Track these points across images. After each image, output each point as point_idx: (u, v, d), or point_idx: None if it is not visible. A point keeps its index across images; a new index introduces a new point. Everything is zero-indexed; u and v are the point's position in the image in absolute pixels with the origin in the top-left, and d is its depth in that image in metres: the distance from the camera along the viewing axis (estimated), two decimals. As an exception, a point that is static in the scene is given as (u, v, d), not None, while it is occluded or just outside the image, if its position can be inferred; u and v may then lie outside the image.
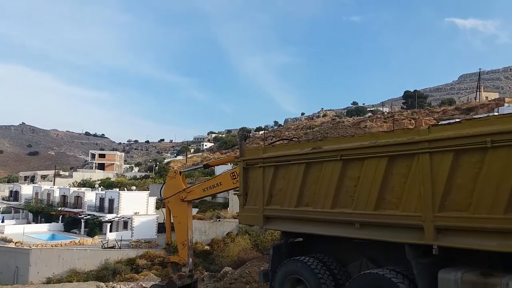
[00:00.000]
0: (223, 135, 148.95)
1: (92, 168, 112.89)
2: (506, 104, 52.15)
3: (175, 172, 12.59)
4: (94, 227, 51.01)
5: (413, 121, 62.62)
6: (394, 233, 6.27)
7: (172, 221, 12.41)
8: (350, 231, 6.93)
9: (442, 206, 5.65)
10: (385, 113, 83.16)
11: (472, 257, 5.69)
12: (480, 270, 5.46)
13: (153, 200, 55.44)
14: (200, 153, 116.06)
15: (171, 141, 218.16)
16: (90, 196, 57.65)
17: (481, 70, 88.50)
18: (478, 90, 78.20)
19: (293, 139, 14.77)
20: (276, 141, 13.16)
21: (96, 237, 47.59)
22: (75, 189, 67.08)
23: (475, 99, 74.71)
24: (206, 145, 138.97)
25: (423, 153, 5.86)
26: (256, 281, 11.44)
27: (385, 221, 6.35)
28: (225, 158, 20.90)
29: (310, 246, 8.54)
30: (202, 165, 13.97)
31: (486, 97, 76.83)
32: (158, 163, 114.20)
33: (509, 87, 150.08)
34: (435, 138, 5.77)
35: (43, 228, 53.94)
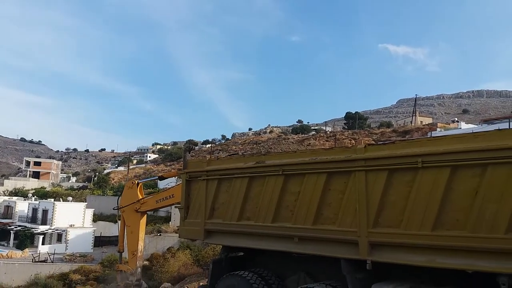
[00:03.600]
0: (169, 147, 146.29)
1: (26, 176, 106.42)
2: (438, 129, 55.50)
3: (132, 182, 12.99)
4: (25, 239, 47.98)
5: (353, 141, 64.92)
6: (330, 248, 6.43)
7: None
8: (289, 246, 7.02)
9: (376, 222, 5.90)
10: (328, 132, 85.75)
11: (405, 272, 5.95)
12: (410, 284, 5.72)
13: (90, 212, 53.16)
14: (143, 165, 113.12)
15: (112, 151, 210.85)
16: (22, 206, 54.32)
17: (417, 96, 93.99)
18: (414, 114, 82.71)
19: (235, 154, 15.40)
20: (225, 156, 13.56)
21: (27, 250, 44.68)
22: (6, 198, 62.93)
23: (411, 123, 78.91)
24: (150, 157, 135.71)
25: (359, 171, 6.11)
26: (195, 296, 11.26)
27: (322, 235, 6.52)
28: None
29: (250, 260, 8.56)
30: (157, 177, 14.23)
31: (421, 122, 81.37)
32: (97, 173, 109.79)
33: (442, 113, 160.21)
34: (370, 157, 6.04)
35: (-34, 239, 50.06)
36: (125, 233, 12.85)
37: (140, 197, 12.57)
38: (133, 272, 12.22)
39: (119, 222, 13.14)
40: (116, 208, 13.18)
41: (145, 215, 12.73)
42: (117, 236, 50.37)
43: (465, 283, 5.50)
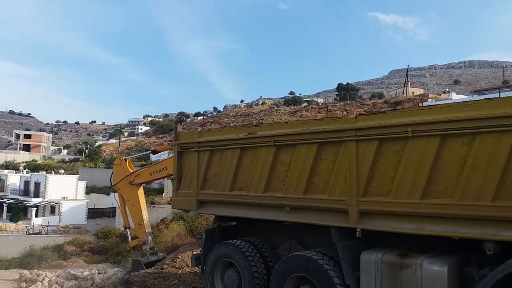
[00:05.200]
0: (160, 119, 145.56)
1: (16, 150, 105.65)
2: (429, 100, 55.68)
3: (120, 159, 13.20)
4: (18, 212, 48.19)
5: (345, 112, 64.98)
6: (321, 217, 6.54)
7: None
8: (280, 215, 7.13)
9: (365, 191, 5.98)
10: (320, 104, 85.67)
11: (393, 240, 6.08)
12: (399, 251, 5.86)
13: (82, 185, 53.24)
14: (135, 137, 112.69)
15: (103, 123, 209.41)
16: (14, 179, 54.28)
17: (408, 67, 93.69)
18: (405, 85, 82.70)
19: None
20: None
21: (20, 222, 44.95)
22: (-3, 171, 62.65)
23: (403, 94, 79.01)
24: (141, 129, 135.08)
25: (350, 141, 6.15)
26: (188, 266, 11.45)
27: (313, 205, 6.61)
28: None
29: (242, 230, 8.69)
30: (150, 151, 14.28)
31: (412, 92, 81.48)
32: (88, 146, 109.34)
33: (433, 84, 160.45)
34: (361, 127, 6.07)
35: (-42, 213, 50.07)
36: (127, 209, 13.02)
37: (131, 171, 12.68)
38: (145, 241, 12.54)
39: (118, 200, 13.26)
40: (110, 186, 13.40)
41: (141, 187, 12.87)
42: (110, 208, 50.92)
43: (451, 249, 5.65)
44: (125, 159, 12.99)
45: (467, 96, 48.52)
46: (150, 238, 12.72)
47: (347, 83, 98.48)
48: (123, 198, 12.88)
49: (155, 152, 13.90)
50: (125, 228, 13.80)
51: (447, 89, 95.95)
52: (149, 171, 12.22)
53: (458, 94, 67.72)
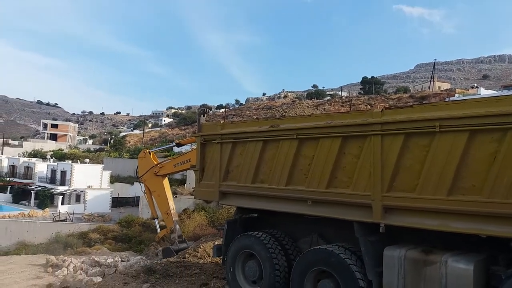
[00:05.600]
0: (183, 111, 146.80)
1: (44, 139, 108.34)
2: (456, 95, 54.34)
3: (144, 152, 13.50)
4: (45, 199, 49.50)
5: (369, 107, 64.22)
6: (344, 211, 6.49)
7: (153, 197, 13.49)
8: (302, 208, 7.11)
9: (390, 187, 5.90)
10: (343, 98, 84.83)
11: (417, 236, 5.99)
12: (422, 248, 5.77)
13: (107, 174, 54.24)
14: (158, 128, 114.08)
15: (127, 114, 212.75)
16: (41, 167, 55.68)
17: (435, 61, 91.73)
18: (432, 80, 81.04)
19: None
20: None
21: (47, 209, 46.18)
22: (26, 159, 64.36)
23: (429, 88, 77.43)
24: (164, 120, 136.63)
25: (375, 135, 6.06)
26: (209, 256, 11.57)
27: (336, 199, 6.56)
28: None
29: (263, 222, 8.71)
30: (174, 144, 14.55)
31: (439, 87, 79.82)
32: (113, 136, 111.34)
33: (461, 79, 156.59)
34: (387, 121, 5.96)
35: (-11, 199, 51.79)
36: (154, 200, 13.32)
37: (156, 163, 12.98)
38: (173, 230, 12.86)
39: (144, 192, 13.62)
40: (137, 178, 13.78)
41: (166, 178, 13.16)
42: (133, 197, 51.65)
43: (477, 248, 5.52)
44: (149, 152, 13.28)
45: (496, 92, 47.18)
46: (177, 226, 13.00)
47: (372, 77, 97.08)
48: (149, 190, 13.16)
49: (179, 145, 14.09)
50: (153, 219, 14.11)
51: (475, 84, 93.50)
52: (173, 163, 12.48)
53: (487, 89, 65.96)
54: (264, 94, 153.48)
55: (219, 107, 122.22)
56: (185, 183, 46.02)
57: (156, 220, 14.05)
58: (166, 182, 13.07)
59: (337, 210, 6.60)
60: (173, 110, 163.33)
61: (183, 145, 15.10)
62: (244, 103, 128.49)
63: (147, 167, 13.05)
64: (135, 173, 13.87)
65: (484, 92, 52.00)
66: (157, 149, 18.37)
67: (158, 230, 13.91)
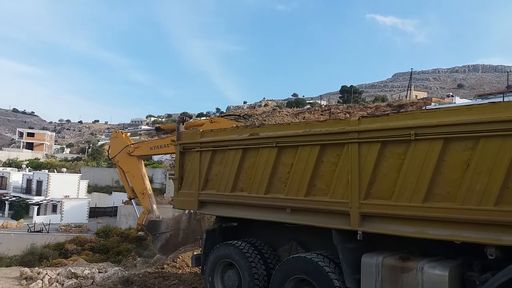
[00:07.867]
0: (163, 119, 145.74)
1: (19, 148, 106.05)
2: (433, 103, 55.48)
3: (116, 131, 13.05)
4: (20, 210, 48.32)
5: (348, 115, 64.89)
6: (322, 219, 6.51)
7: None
8: (281, 216, 7.11)
9: (367, 194, 5.95)
10: (323, 106, 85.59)
11: (395, 243, 6.05)
12: (400, 254, 5.83)
13: (84, 183, 53.30)
14: (137, 137, 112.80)
15: (106, 122, 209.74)
16: (17, 177, 54.41)
17: (412, 70, 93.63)
18: (409, 89, 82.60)
19: (245, 115, 15.39)
20: (226, 114, 13.77)
21: (22, 220, 45.01)
22: (0, 168, 62.80)
23: (406, 97, 78.83)
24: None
25: (352, 143, 6.12)
26: (188, 266, 11.44)
27: (314, 207, 6.58)
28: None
29: (243, 230, 8.67)
30: (154, 127, 14.30)
31: (416, 96, 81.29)
32: (91, 145, 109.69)
33: (437, 88, 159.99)
34: (364, 129, 6.03)
35: (-40, 210, 50.24)
36: (128, 181, 12.97)
37: (129, 143, 12.64)
38: (150, 210, 12.53)
39: (119, 173, 13.29)
40: (108, 158, 13.47)
41: (141, 160, 12.76)
42: (111, 207, 50.74)
43: (453, 253, 5.61)
44: (121, 132, 12.95)
45: (470, 100, 48.41)
46: (154, 206, 12.68)
47: (351, 86, 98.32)
48: (123, 171, 12.76)
49: (158, 129, 13.86)
50: (130, 199, 13.68)
51: (451, 93, 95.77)
52: (150, 145, 12.15)
53: (461, 98, 67.59)
54: (245, 102, 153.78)
55: (200, 115, 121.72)
56: (164, 193, 45.63)
57: (133, 201, 13.58)
58: (140, 162, 12.70)
59: (315, 218, 6.62)
60: (153, 118, 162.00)
61: (163, 130, 14.86)
62: (225, 111, 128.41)
63: (119, 147, 12.52)
64: (107, 157, 13.49)
65: (459, 101, 53.24)
66: (129, 130, 17.88)
67: (138, 214, 13.45)
